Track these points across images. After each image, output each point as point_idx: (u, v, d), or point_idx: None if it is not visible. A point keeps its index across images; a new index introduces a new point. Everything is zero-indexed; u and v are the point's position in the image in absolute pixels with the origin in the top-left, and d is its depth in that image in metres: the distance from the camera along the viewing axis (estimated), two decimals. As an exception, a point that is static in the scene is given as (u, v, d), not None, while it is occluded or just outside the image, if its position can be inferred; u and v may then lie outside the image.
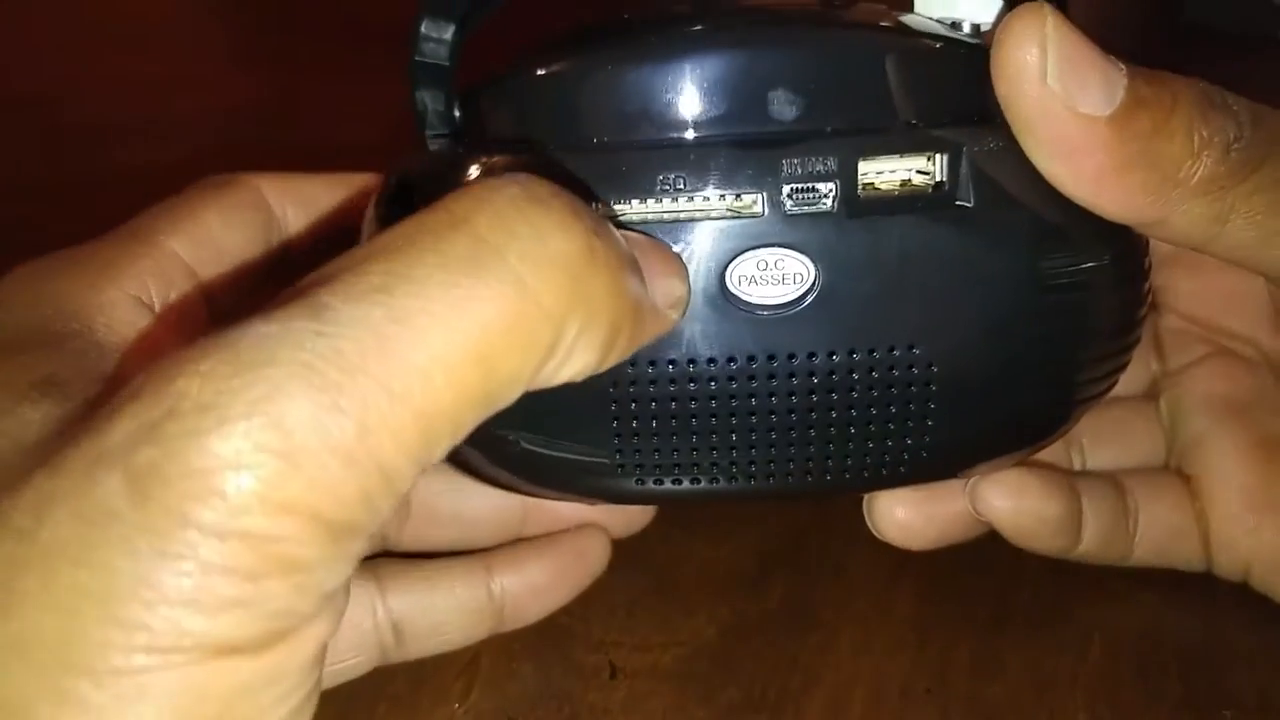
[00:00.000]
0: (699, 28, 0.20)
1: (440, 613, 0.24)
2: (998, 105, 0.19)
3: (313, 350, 0.13)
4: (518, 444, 0.20)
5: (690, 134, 0.19)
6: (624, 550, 0.28)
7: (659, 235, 0.19)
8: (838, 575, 0.27)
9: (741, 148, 0.19)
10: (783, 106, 0.19)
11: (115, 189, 0.43)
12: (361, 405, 0.13)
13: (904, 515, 0.25)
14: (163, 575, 0.12)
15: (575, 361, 0.15)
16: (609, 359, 0.16)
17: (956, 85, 0.21)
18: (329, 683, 0.20)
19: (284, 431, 0.12)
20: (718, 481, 0.21)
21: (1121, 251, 0.21)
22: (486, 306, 0.14)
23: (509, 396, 0.15)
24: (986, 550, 0.28)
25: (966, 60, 0.21)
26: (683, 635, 0.26)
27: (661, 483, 0.21)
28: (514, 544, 0.25)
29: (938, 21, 0.22)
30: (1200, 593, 0.26)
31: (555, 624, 0.26)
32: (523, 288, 0.14)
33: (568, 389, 0.16)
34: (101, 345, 0.19)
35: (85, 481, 0.13)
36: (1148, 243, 0.22)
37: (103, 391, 0.17)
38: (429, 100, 0.20)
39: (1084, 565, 0.27)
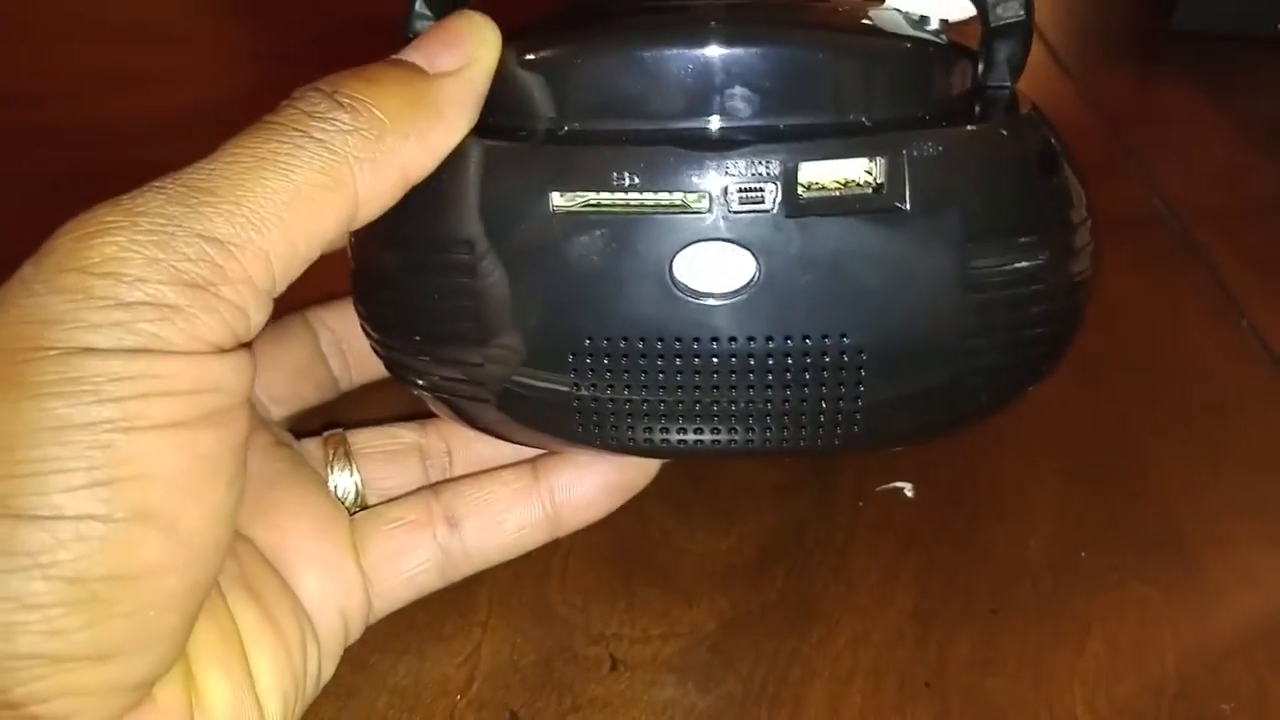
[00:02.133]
0: (659, 24, 0.22)
1: (495, 513, 0.25)
2: (941, 104, 0.21)
3: (163, 180, 0.18)
4: (503, 381, 0.22)
5: (645, 126, 0.21)
6: (624, 543, 0.28)
7: (612, 225, 0.20)
8: (837, 568, 0.27)
9: (691, 149, 0.20)
10: (735, 103, 0.21)
11: (110, 186, 0.44)
12: (195, 196, 0.18)
13: None
14: (59, 302, 0.16)
15: (385, 171, 0.20)
16: (419, 150, 0.20)
17: (903, 85, 0.22)
18: (406, 594, 0.25)
19: (134, 214, 0.17)
20: (667, 435, 0.22)
21: (1057, 251, 0.22)
22: (282, 152, 0.18)
23: (328, 201, 0.19)
24: (985, 543, 0.28)
25: (915, 60, 0.22)
26: (683, 627, 0.26)
27: (619, 433, 0.22)
28: (562, 456, 0.26)
29: (905, 15, 0.23)
30: (1199, 586, 0.27)
31: (556, 616, 0.26)
32: (307, 139, 0.19)
33: (537, 336, 0.21)
34: None
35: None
36: (1090, 241, 0.23)
37: None
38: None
39: (1083, 559, 0.27)
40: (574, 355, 0.21)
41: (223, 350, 0.18)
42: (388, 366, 0.24)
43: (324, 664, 0.23)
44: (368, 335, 0.24)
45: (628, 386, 0.21)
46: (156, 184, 0.18)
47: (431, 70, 0.21)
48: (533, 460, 0.26)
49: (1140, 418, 0.32)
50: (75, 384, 0.16)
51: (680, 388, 0.21)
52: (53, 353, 0.16)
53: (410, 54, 0.21)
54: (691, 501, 0.29)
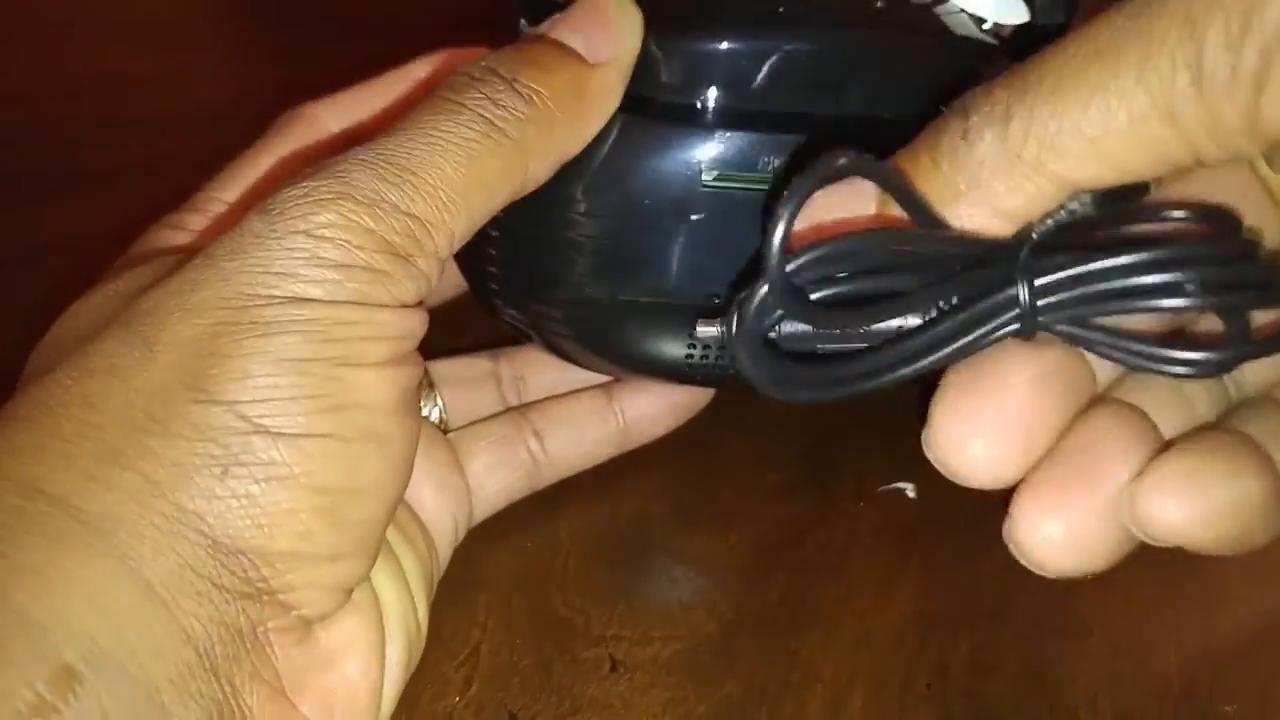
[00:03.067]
0: (797, 16, 0.23)
1: (577, 428, 0.28)
2: None
3: (366, 154, 0.20)
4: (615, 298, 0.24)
5: (773, 109, 0.23)
6: (624, 544, 0.28)
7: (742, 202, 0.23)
8: (838, 570, 0.27)
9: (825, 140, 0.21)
10: (848, 96, 0.23)
11: (114, 186, 0.43)
12: (400, 176, 0.20)
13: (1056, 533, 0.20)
14: (288, 257, 0.19)
15: (549, 158, 0.22)
16: (578, 136, 0.22)
17: (965, 81, 0.23)
18: (500, 502, 0.28)
19: (351, 186, 0.19)
20: None
21: None
22: (471, 139, 0.21)
23: (504, 188, 0.21)
24: (987, 544, 0.28)
25: (985, 61, 0.24)
26: (683, 629, 0.26)
27: (720, 371, 0.25)
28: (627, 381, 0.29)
29: (970, 15, 0.25)
30: (1201, 586, 0.27)
31: (556, 617, 0.26)
32: (492, 128, 0.21)
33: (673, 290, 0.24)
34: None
35: (235, 226, 0.20)
36: None
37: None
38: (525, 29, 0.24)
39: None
40: (699, 311, 0.22)
41: (410, 306, 0.20)
42: (485, 303, 0.27)
43: (442, 566, 0.25)
44: (472, 273, 0.26)
45: None
46: (361, 156, 0.20)
47: (590, 59, 0.22)
48: (604, 384, 0.29)
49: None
50: (309, 324, 0.19)
51: None
52: (284, 299, 0.19)
53: (568, 36, 0.22)
54: (692, 503, 0.29)
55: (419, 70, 0.28)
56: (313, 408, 0.19)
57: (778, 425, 0.32)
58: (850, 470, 0.30)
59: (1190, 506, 0.18)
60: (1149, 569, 0.27)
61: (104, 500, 0.17)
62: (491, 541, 0.27)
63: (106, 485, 0.18)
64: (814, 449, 0.31)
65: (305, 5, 0.64)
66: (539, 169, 0.22)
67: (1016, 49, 0.25)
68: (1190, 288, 0.17)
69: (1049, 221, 0.19)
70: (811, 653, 0.25)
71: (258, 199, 0.20)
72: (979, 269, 0.19)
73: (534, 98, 0.21)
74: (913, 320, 0.20)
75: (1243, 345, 0.18)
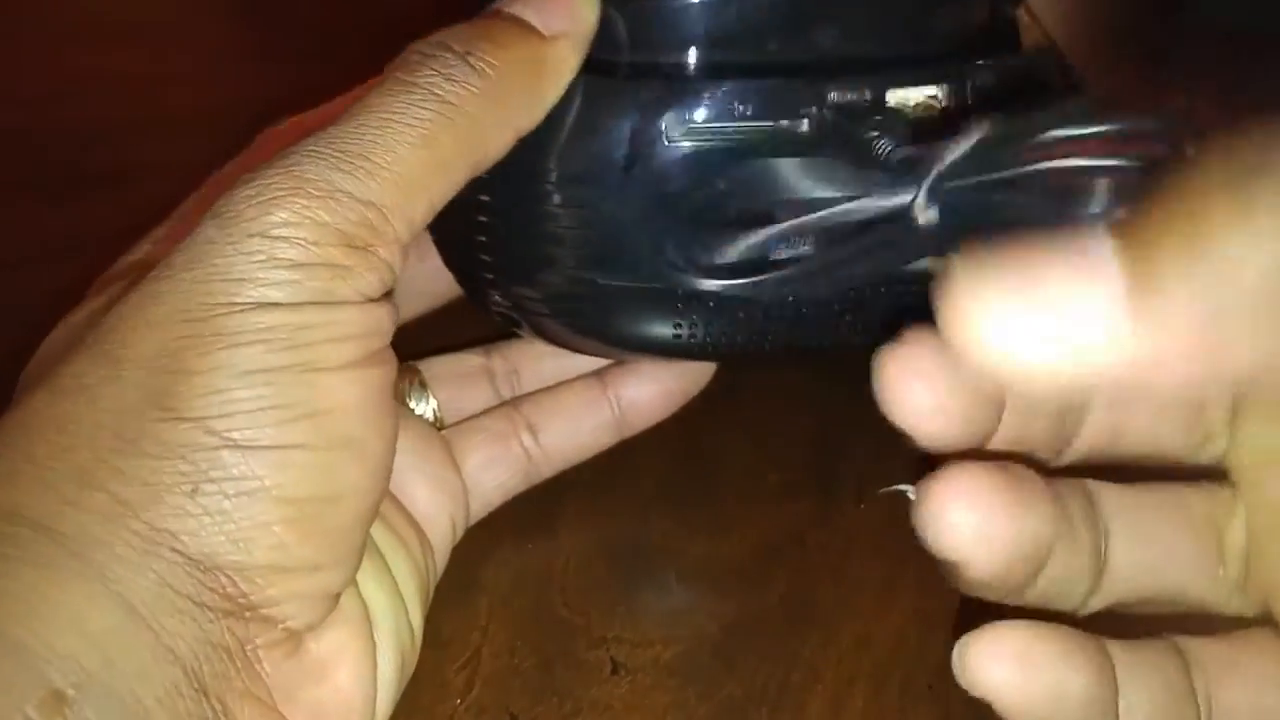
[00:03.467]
0: None
1: (572, 420, 0.28)
2: (982, 33, 0.24)
3: (317, 143, 0.19)
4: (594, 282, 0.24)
5: (751, 57, 0.23)
6: (624, 546, 0.28)
7: (725, 150, 0.23)
8: (839, 572, 0.27)
9: (795, 79, 0.23)
10: (828, 38, 0.23)
11: (116, 187, 0.43)
12: (353, 163, 0.19)
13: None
14: (245, 262, 0.18)
15: (505, 134, 0.22)
16: (533, 110, 0.22)
17: (961, 28, 0.25)
18: (497, 498, 0.27)
19: (303, 180, 0.19)
20: (755, 338, 0.25)
21: None
22: (425, 118, 0.20)
23: (461, 167, 0.21)
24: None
25: (968, 6, 0.25)
26: (684, 631, 0.26)
27: (709, 340, 0.25)
28: (626, 368, 0.29)
29: None
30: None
31: (557, 619, 0.26)
32: (446, 105, 0.20)
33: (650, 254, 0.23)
34: None
35: (191, 234, 0.19)
36: None
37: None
38: None
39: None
40: (680, 272, 0.23)
41: (376, 300, 0.20)
42: (473, 295, 0.27)
43: (438, 566, 0.25)
44: (459, 266, 0.26)
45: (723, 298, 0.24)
46: (312, 147, 0.19)
47: (546, 32, 0.22)
48: (598, 372, 0.29)
49: (1143, 419, 0.32)
50: (272, 332, 0.18)
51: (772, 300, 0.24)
52: (244, 306, 0.18)
53: (523, 11, 0.22)
54: (692, 504, 0.29)
55: None
56: (282, 418, 0.18)
57: (778, 427, 0.32)
58: (851, 472, 0.30)
59: (1011, 679, 0.18)
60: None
61: (79, 522, 0.17)
62: (491, 544, 0.27)
63: (80, 507, 0.17)
64: (815, 451, 0.31)
65: (305, 5, 0.64)
66: (496, 145, 0.21)
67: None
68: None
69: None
70: (812, 654, 0.25)
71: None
72: None
73: (488, 71, 0.21)
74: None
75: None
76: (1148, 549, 0.20)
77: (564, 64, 0.22)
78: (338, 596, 0.20)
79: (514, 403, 0.28)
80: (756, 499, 0.29)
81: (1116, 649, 0.19)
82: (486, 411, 0.28)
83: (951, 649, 0.25)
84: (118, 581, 0.17)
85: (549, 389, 0.29)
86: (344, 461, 0.19)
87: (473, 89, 0.20)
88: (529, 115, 0.22)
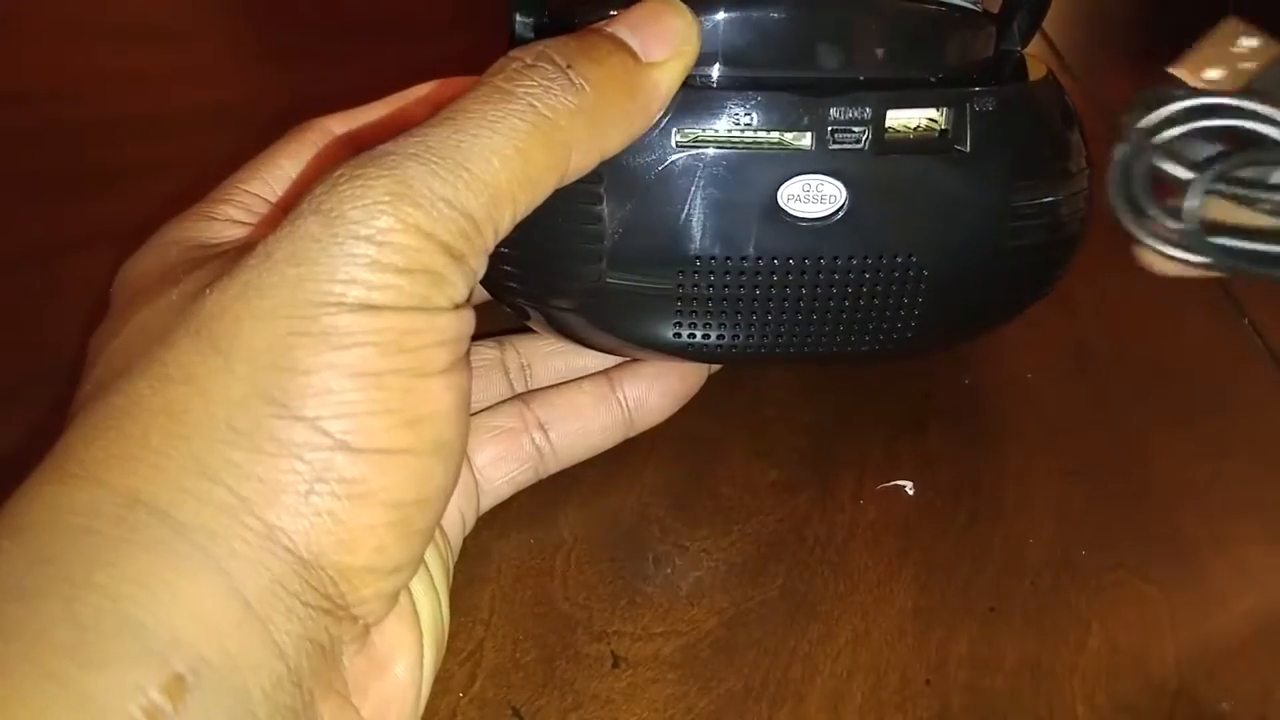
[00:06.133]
0: None
1: (581, 419, 0.28)
2: (981, 64, 0.26)
3: (417, 147, 0.19)
4: (602, 280, 0.25)
5: (756, 74, 0.24)
6: (626, 541, 0.28)
7: (727, 159, 0.24)
8: (838, 566, 0.27)
9: (799, 94, 0.24)
10: (831, 58, 0.25)
11: (117, 186, 0.44)
12: (453, 172, 0.19)
13: None
14: (351, 264, 0.18)
15: (590, 155, 0.22)
16: (623, 134, 0.22)
17: (962, 50, 0.26)
18: (507, 491, 0.28)
19: (407, 186, 0.19)
20: (753, 341, 0.26)
21: (1072, 188, 0.26)
22: (521, 130, 0.20)
23: (548, 182, 0.21)
24: (986, 541, 0.28)
25: (967, 27, 0.26)
26: (684, 625, 0.26)
27: (709, 337, 0.26)
28: (631, 363, 0.29)
29: None
30: (1199, 584, 0.27)
31: (558, 613, 0.26)
32: (542, 118, 0.20)
33: (656, 252, 0.24)
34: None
35: (290, 225, 0.19)
36: (1089, 184, 0.27)
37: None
38: (520, 26, 0.26)
39: (1083, 557, 0.27)
40: (682, 271, 0.24)
41: (462, 306, 0.20)
42: (492, 287, 0.27)
43: (454, 555, 0.26)
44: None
45: (725, 299, 0.25)
46: (410, 150, 0.19)
47: (644, 58, 0.22)
48: (607, 371, 0.29)
49: (1140, 416, 0.32)
50: (381, 335, 0.18)
51: (771, 300, 0.25)
52: (352, 307, 0.18)
53: (625, 33, 0.22)
54: (692, 499, 0.29)
55: (421, 92, 0.28)
56: (391, 422, 0.19)
57: (778, 422, 0.32)
58: (850, 467, 0.30)
59: None
60: (1148, 566, 0.27)
61: (198, 514, 0.17)
62: (493, 539, 0.28)
63: (199, 499, 0.18)
64: (814, 446, 0.31)
65: (305, 5, 0.65)
66: (580, 164, 0.21)
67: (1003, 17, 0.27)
68: None
69: None
70: (811, 648, 0.25)
71: (292, 197, 0.20)
72: None
73: (586, 89, 0.21)
74: None
75: None
76: None
77: (658, 92, 0.22)
78: (399, 592, 0.21)
79: (525, 399, 0.28)
80: (756, 494, 0.29)
81: None
82: (498, 406, 0.28)
83: (950, 643, 0.25)
84: (234, 575, 0.17)
85: (560, 387, 0.29)
86: (437, 465, 0.20)
87: (570, 105, 0.20)
88: (618, 139, 0.22)
